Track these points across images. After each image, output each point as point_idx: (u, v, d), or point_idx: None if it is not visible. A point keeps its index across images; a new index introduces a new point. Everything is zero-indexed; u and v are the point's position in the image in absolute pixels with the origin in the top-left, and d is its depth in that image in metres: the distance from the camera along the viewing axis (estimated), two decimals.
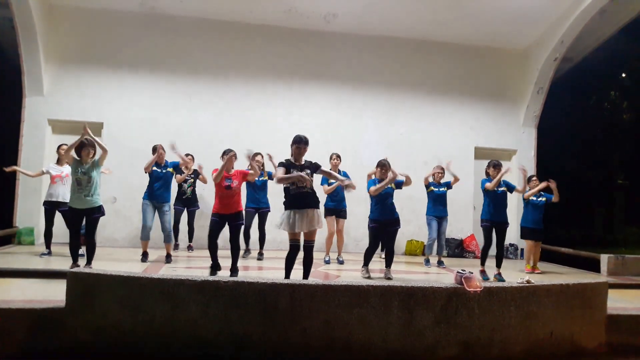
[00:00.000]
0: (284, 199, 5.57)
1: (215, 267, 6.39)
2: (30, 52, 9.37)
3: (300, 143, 5.59)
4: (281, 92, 10.61)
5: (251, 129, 10.24)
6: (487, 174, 7.40)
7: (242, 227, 6.67)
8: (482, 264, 7.40)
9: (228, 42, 10.47)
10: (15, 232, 9.32)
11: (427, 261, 8.63)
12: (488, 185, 7.22)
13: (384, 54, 11.00)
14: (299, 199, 5.47)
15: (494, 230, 7.28)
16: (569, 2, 9.66)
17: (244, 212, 6.96)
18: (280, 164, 5.58)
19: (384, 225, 6.84)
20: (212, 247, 6.36)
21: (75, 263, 6.40)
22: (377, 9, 9.92)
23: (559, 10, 9.92)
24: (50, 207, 7.74)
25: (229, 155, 6.41)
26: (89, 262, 6.43)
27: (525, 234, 8.41)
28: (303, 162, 5.65)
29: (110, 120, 9.93)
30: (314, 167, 5.70)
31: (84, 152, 6.36)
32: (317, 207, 5.57)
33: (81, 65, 9.98)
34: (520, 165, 7.64)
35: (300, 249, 5.58)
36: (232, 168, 6.48)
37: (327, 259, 8.26)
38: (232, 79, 10.46)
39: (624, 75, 17.96)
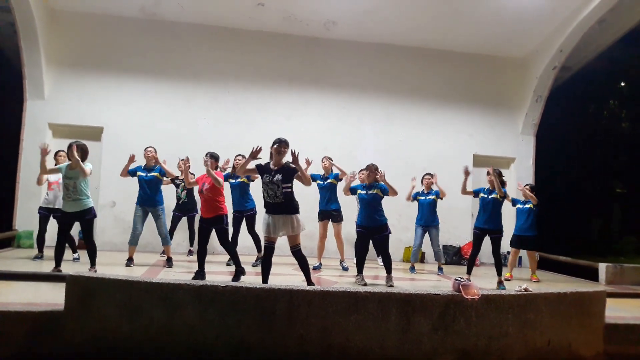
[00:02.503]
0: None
1: (199, 274, 6.33)
2: (32, 57, 9.41)
3: (280, 144, 5.52)
4: (280, 98, 10.65)
5: (250, 135, 10.21)
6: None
7: (227, 230, 6.60)
8: (468, 272, 7.40)
9: (228, 48, 10.52)
10: (14, 235, 9.33)
11: (412, 268, 8.66)
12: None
13: (383, 61, 11.05)
14: (270, 206, 5.51)
15: (484, 238, 7.30)
16: (568, 11, 9.72)
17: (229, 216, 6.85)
18: (257, 166, 5.62)
19: (370, 231, 6.80)
20: (200, 253, 6.42)
21: (57, 267, 6.42)
22: (376, 16, 9.96)
23: (558, 19, 9.97)
24: (46, 213, 7.78)
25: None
26: (92, 265, 6.51)
27: (512, 241, 8.48)
28: (282, 165, 5.53)
29: (110, 125, 9.96)
30: (290, 172, 5.52)
31: (69, 152, 6.43)
32: (293, 213, 5.53)
33: (82, 70, 10.02)
34: (464, 167, 7.72)
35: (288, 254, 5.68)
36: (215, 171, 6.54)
37: (316, 264, 8.19)
38: (231, 84, 10.50)
39: (622, 84, 18.00)
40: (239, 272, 6.41)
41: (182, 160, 7.00)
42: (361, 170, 7.89)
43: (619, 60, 15.17)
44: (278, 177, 5.46)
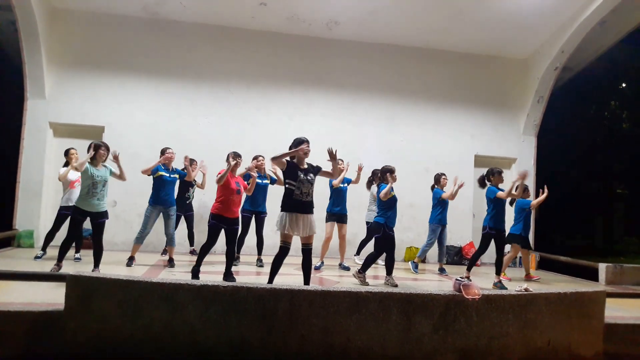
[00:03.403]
0: (283, 202, 5.53)
1: (196, 273, 6.32)
2: (33, 55, 9.42)
3: (302, 143, 5.56)
4: (283, 98, 10.65)
5: (252, 135, 10.28)
6: (490, 181, 7.40)
7: (238, 231, 6.65)
8: (469, 269, 7.39)
9: (230, 48, 10.52)
10: (15, 234, 9.33)
11: (416, 267, 8.66)
12: (501, 194, 7.14)
13: (386, 61, 11.06)
14: (301, 204, 5.47)
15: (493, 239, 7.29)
16: (570, 12, 9.72)
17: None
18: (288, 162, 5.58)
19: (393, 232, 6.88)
20: (206, 250, 6.36)
21: (58, 264, 6.43)
22: (379, 16, 9.97)
23: (560, 19, 9.97)
24: (66, 213, 7.52)
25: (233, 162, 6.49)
26: (96, 265, 6.46)
27: (511, 239, 8.41)
28: (306, 166, 5.63)
29: (112, 125, 9.96)
30: (316, 170, 5.69)
31: (100, 153, 6.43)
32: (313, 214, 5.60)
33: (83, 69, 10.02)
34: (521, 172, 7.39)
35: (291, 253, 5.61)
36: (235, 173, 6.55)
37: (318, 264, 8.19)
38: (234, 84, 10.51)
39: (624, 85, 18.02)
40: (230, 274, 6.39)
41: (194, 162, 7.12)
42: (375, 172, 8.23)
43: (620, 61, 15.19)
44: (311, 175, 5.56)
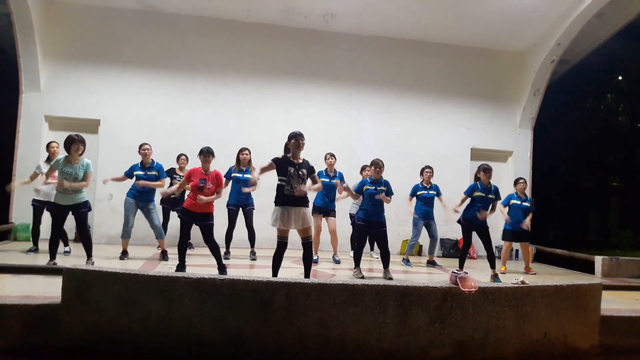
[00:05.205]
0: (276, 197, 5.51)
1: (180, 267, 6.24)
2: (28, 48, 9.36)
3: (297, 137, 5.48)
4: (279, 91, 10.63)
5: (248, 128, 10.26)
6: (476, 178, 7.45)
7: (213, 226, 6.42)
8: (461, 266, 7.41)
9: (226, 40, 10.48)
10: (11, 228, 9.33)
11: (407, 260, 8.66)
12: (462, 198, 7.55)
13: (382, 54, 11.03)
14: (292, 199, 5.44)
15: (472, 232, 7.35)
16: (567, 5, 9.70)
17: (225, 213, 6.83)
18: (273, 160, 5.47)
19: (372, 225, 6.83)
20: (182, 246, 6.27)
21: (52, 260, 6.38)
22: (375, 9, 9.93)
23: (557, 12, 9.95)
24: (39, 205, 7.70)
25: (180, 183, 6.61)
26: (89, 257, 6.46)
27: (504, 234, 8.46)
28: (301, 161, 5.57)
29: (107, 117, 9.93)
30: (311, 170, 5.64)
31: (73, 148, 6.30)
32: (307, 206, 5.59)
33: (78, 62, 9.97)
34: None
35: (288, 247, 5.60)
36: (209, 169, 6.37)
37: (315, 258, 8.16)
38: (229, 77, 10.47)
39: (620, 78, 18.00)
40: (223, 267, 6.32)
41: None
42: (365, 167, 8.31)
43: (616, 54, 15.16)
44: (303, 170, 5.49)
